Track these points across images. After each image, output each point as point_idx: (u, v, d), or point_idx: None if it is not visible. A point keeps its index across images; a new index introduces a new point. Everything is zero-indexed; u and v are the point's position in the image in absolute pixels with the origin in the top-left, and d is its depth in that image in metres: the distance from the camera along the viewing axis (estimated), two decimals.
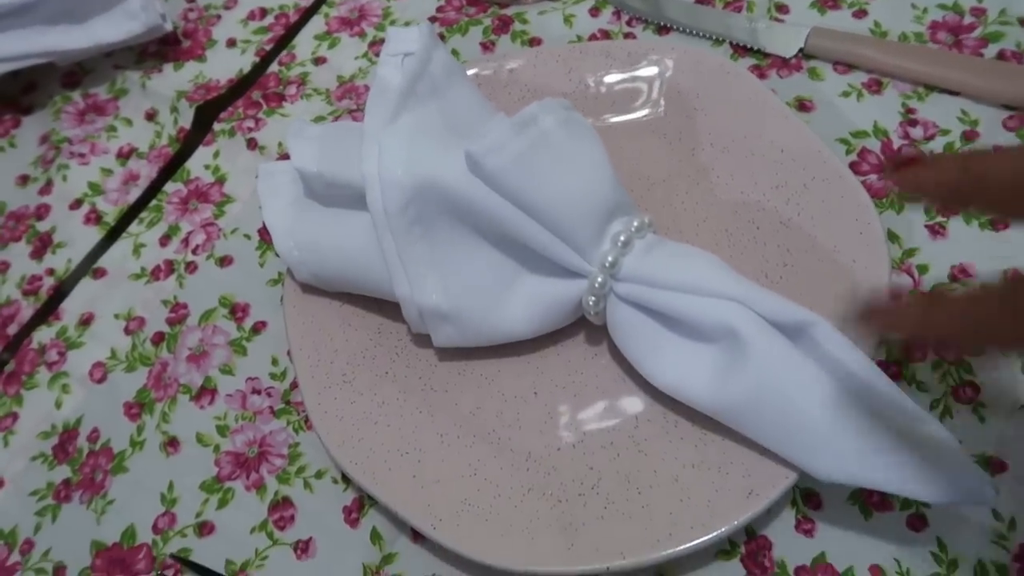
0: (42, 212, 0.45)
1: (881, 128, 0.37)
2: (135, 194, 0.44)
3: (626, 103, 0.38)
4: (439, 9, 0.46)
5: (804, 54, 0.40)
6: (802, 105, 0.38)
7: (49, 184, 0.45)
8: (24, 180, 0.46)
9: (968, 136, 0.36)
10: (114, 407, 0.38)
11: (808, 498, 0.30)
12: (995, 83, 0.36)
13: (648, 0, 0.42)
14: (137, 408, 0.37)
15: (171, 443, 0.36)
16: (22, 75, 0.47)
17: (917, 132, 0.37)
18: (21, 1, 0.43)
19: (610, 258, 0.30)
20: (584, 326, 0.34)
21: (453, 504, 0.30)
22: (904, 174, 0.24)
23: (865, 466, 0.26)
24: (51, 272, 0.43)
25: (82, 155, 0.46)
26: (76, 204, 0.44)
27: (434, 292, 0.31)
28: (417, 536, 0.31)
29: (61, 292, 0.42)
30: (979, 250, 0.34)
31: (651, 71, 0.38)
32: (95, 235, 0.43)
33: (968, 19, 0.39)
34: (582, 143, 0.31)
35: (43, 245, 0.44)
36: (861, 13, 0.40)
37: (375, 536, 0.32)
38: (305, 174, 0.33)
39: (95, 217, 0.44)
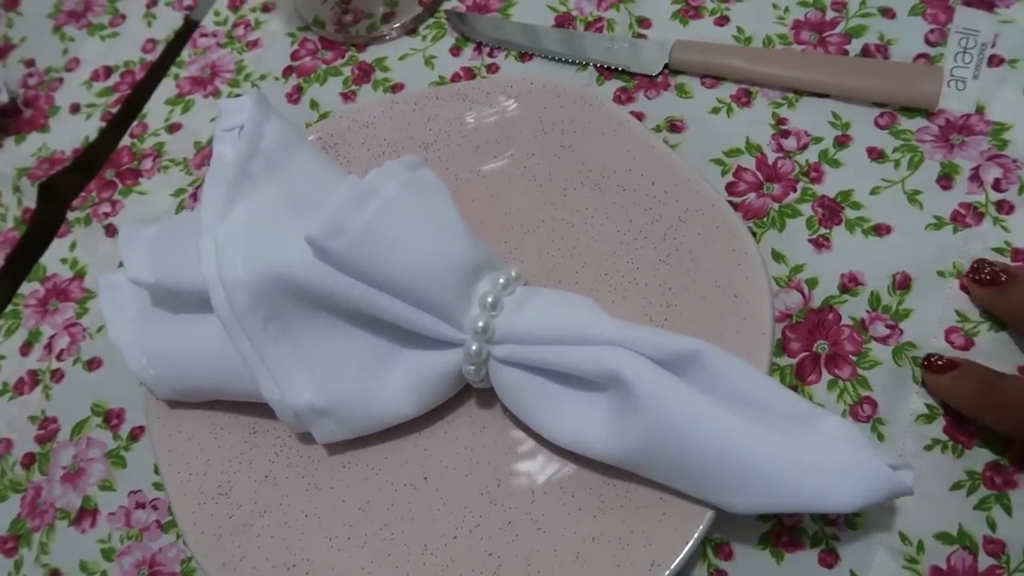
0: None
1: (754, 144, 0.36)
2: None
3: (491, 146, 0.36)
4: (294, 56, 0.43)
5: (670, 70, 0.38)
6: (673, 126, 0.37)
7: None
8: None
9: (841, 141, 0.35)
10: None
11: (719, 549, 0.29)
12: (862, 81, 0.36)
13: (498, 29, 0.40)
14: (12, 542, 0.35)
15: None
16: None
17: (790, 143, 0.36)
18: None
19: (480, 323, 0.28)
20: (468, 396, 0.32)
21: None
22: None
23: (777, 491, 0.25)
24: None
25: None
26: None
27: (306, 390, 0.29)
28: None
29: None
30: (865, 257, 0.33)
31: (511, 109, 0.36)
32: None
33: (831, 14, 0.38)
34: (431, 205, 0.29)
35: None
36: (723, 20, 0.39)
37: None
38: (142, 284, 0.31)
39: None
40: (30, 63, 0.47)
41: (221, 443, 0.32)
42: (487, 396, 0.32)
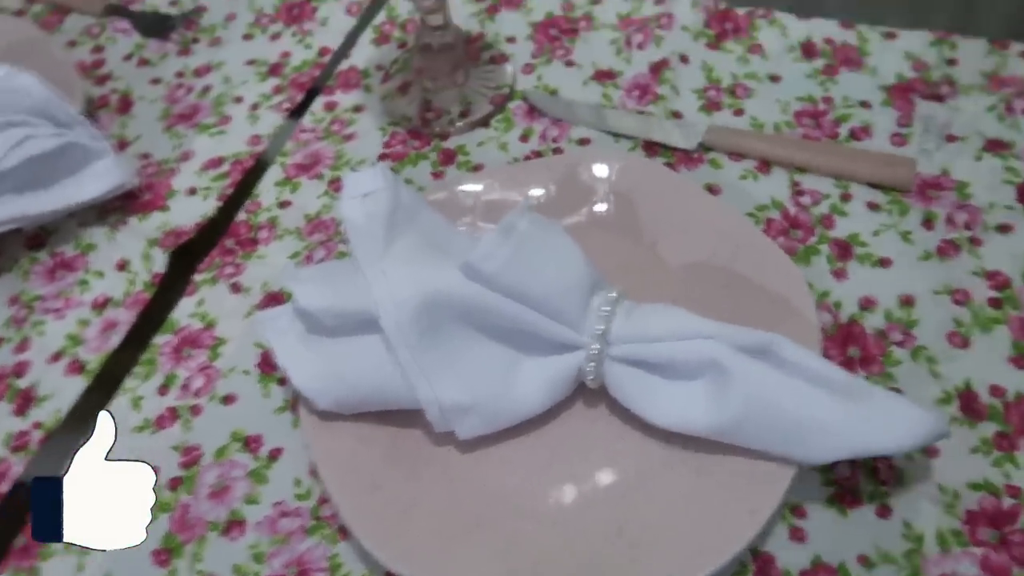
0: (20, 369, 0.46)
1: (777, 201, 0.45)
2: (116, 339, 0.46)
3: (570, 207, 0.45)
4: (386, 145, 0.52)
5: (703, 147, 0.48)
6: (711, 190, 0.46)
7: (25, 341, 0.47)
8: None
9: (844, 197, 0.45)
10: (141, 559, 0.38)
11: (794, 510, 0.36)
12: (852, 166, 0.45)
13: (567, 106, 0.50)
14: (166, 554, 0.39)
15: None
16: None
17: (806, 200, 0.45)
18: None
19: (600, 327, 0.35)
20: (577, 399, 0.39)
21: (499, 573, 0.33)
22: None
23: (846, 440, 0.32)
24: (38, 425, 0.43)
25: (57, 310, 0.48)
26: (56, 357, 0.46)
27: (452, 389, 0.36)
28: None
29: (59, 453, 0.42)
30: (876, 284, 0.42)
31: (588, 177, 0.45)
32: (80, 384, 0.45)
33: (821, 106, 0.49)
34: (555, 237, 0.37)
35: (26, 401, 0.44)
36: (740, 112, 0.49)
37: None
38: (313, 310, 0.37)
39: (78, 367, 0.45)
40: (146, 156, 0.54)
41: (368, 449, 0.38)
42: (592, 399, 0.38)
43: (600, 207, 0.44)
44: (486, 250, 0.35)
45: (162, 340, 0.46)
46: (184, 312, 0.47)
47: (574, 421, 0.38)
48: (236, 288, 0.47)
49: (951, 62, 0.50)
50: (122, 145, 0.55)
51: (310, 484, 0.39)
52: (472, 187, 0.45)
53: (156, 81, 0.58)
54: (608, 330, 0.36)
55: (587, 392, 0.38)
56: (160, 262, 0.48)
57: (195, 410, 0.43)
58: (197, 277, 0.48)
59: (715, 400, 0.34)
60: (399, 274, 0.36)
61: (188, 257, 0.49)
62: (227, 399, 0.43)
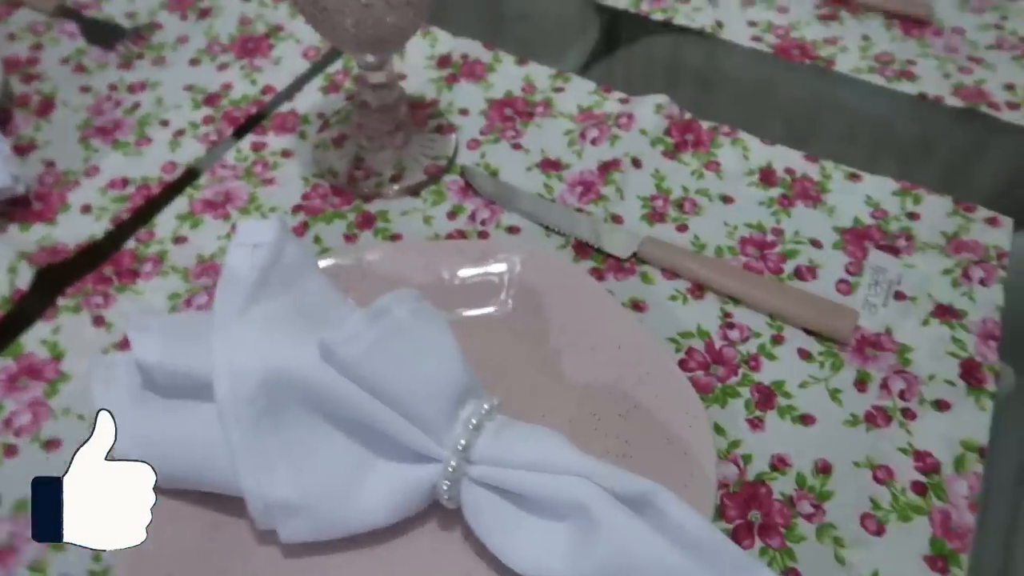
0: None
1: (704, 330, 0.41)
2: None
3: (477, 298, 0.41)
4: (304, 197, 0.48)
5: (637, 258, 0.44)
6: (636, 305, 0.42)
7: None
8: None
9: (776, 339, 0.41)
10: None
11: None
12: (790, 308, 0.41)
13: (505, 190, 0.47)
14: None
15: None
16: None
17: (734, 334, 0.41)
18: None
19: (463, 441, 0.31)
20: (431, 516, 0.34)
21: None
22: None
23: None
24: None
25: None
26: None
27: (284, 484, 0.30)
28: None
29: None
30: (793, 442, 0.37)
31: (501, 269, 0.41)
32: None
33: (770, 237, 0.46)
34: (433, 331, 0.32)
35: None
36: (683, 227, 0.46)
37: None
38: (146, 365, 0.32)
39: None
40: (50, 164, 0.50)
41: (179, 533, 0.32)
42: (448, 519, 0.33)
43: (508, 304, 0.40)
44: (349, 332, 0.30)
45: (1, 364, 0.40)
46: (35, 337, 0.42)
47: (423, 542, 0.33)
48: (99, 321, 0.42)
49: (912, 215, 0.47)
50: (29, 148, 0.51)
51: (110, 563, 0.34)
52: (377, 257, 0.41)
53: (86, 89, 0.54)
54: (471, 446, 0.31)
55: (444, 512, 0.33)
56: (25, 277, 0.44)
57: (9, 450, 0.37)
58: (61, 301, 0.43)
59: (575, 549, 0.29)
60: (248, 341, 0.31)
61: (58, 278, 0.44)
62: (49, 444, 0.38)
